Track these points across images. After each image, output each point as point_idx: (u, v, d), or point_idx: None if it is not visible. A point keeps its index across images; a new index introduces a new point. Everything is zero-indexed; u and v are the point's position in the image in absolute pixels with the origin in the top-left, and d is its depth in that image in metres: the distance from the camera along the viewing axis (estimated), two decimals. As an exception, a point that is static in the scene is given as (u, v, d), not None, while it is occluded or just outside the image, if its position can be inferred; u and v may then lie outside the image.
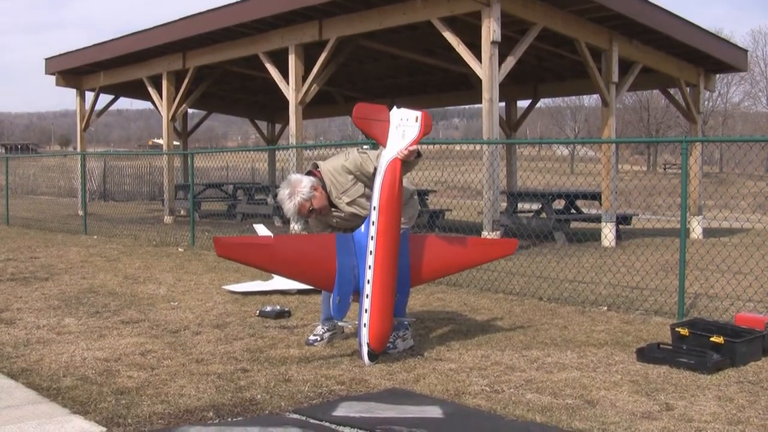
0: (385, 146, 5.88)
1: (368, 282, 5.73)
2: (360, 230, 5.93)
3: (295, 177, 6.06)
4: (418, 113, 5.98)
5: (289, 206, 5.98)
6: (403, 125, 5.92)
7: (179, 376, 5.33)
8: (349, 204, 6.10)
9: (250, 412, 4.61)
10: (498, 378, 5.37)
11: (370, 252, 5.73)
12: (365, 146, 8.33)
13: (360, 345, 5.80)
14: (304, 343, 6.35)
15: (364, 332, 5.73)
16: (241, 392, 4.96)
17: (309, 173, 6.15)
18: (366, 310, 5.73)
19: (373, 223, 5.74)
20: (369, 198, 5.92)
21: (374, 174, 5.82)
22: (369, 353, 5.73)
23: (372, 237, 5.73)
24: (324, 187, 6.08)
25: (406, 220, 6.22)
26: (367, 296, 5.74)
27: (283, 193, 6.00)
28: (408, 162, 5.80)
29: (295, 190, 5.94)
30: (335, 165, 6.11)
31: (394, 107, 6.07)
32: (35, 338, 6.54)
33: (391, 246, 5.74)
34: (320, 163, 6.21)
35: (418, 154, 5.84)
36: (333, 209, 6.18)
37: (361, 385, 5.17)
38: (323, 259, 5.85)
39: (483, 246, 6.76)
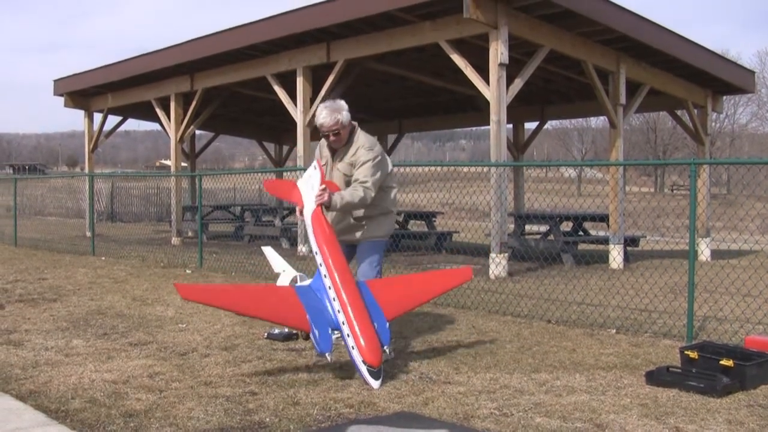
0: (303, 206, 6.78)
1: (339, 312, 5.99)
2: (312, 283, 6.41)
3: (343, 103, 6.77)
4: (314, 163, 6.92)
5: (325, 114, 6.66)
6: (310, 180, 6.83)
7: (188, 398, 5.32)
8: (340, 168, 6.84)
9: (259, 435, 4.60)
10: (507, 401, 5.35)
11: (329, 287, 6.14)
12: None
13: (359, 370, 5.79)
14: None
15: (356, 354, 5.77)
16: (250, 415, 4.95)
17: None
18: (348, 335, 5.85)
19: (321, 265, 6.33)
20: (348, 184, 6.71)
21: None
22: (369, 371, 5.70)
23: (325, 275, 6.26)
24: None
25: (383, 233, 7.03)
26: (343, 323, 5.92)
27: (327, 104, 6.74)
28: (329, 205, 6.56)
29: (340, 111, 6.67)
30: (369, 140, 6.85)
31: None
32: (43, 360, 6.54)
33: (343, 273, 6.24)
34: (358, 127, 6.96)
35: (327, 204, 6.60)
36: (333, 159, 6.93)
37: (369, 408, 5.15)
38: (288, 303, 6.17)
39: (440, 277, 7.07)
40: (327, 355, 5.83)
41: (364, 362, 5.72)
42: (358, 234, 6.98)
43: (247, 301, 6.18)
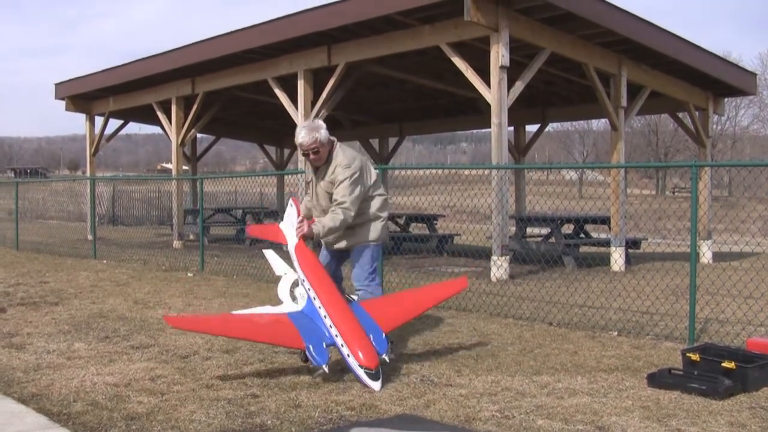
0: (287, 243, 7.15)
1: (331, 327, 6.15)
2: (303, 309, 6.60)
3: (321, 122, 6.99)
4: (290, 201, 7.51)
5: (304, 134, 6.81)
6: (289, 218, 7.29)
7: (189, 401, 5.32)
8: (323, 185, 6.98)
9: (261, 437, 4.60)
10: (508, 403, 5.35)
11: (319, 307, 6.38)
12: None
13: (358, 376, 5.85)
14: (311, 367, 6.34)
15: (352, 361, 5.88)
16: (252, 418, 4.95)
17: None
18: (342, 345, 6.00)
19: (309, 290, 6.57)
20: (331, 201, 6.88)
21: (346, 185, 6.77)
22: (368, 374, 5.78)
23: (314, 298, 6.48)
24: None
25: (374, 238, 7.10)
26: (336, 336, 6.08)
27: (308, 125, 6.92)
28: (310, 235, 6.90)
29: (318, 129, 6.83)
30: (347, 157, 6.90)
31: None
32: (45, 363, 6.55)
33: (331, 292, 6.49)
34: (338, 143, 7.05)
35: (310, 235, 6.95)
36: (317, 176, 7.09)
37: (371, 411, 5.16)
38: (281, 326, 6.35)
39: (435, 289, 7.43)
40: (324, 366, 5.88)
41: (361, 366, 5.80)
42: (348, 241, 7.11)
43: (240, 326, 6.42)
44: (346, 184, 6.76)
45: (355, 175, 6.81)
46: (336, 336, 6.08)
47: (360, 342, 5.97)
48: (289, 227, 7.19)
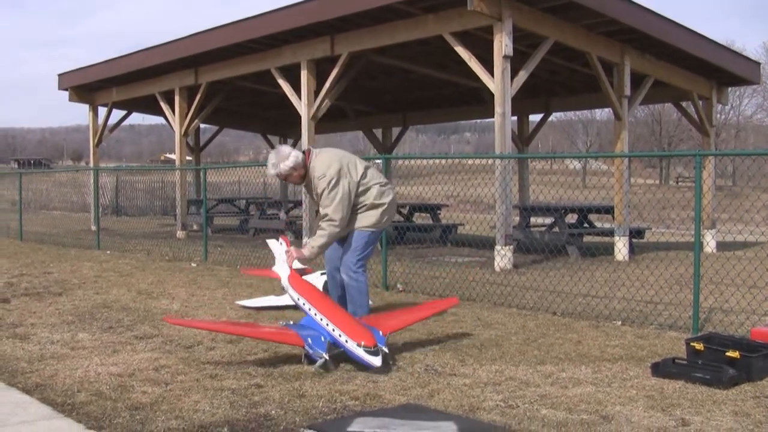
0: (280, 278, 7.30)
1: (328, 325, 6.27)
2: (302, 321, 6.66)
3: (284, 151, 7.18)
4: (279, 240, 7.72)
5: (269, 167, 7.22)
6: (280, 256, 7.46)
7: (193, 391, 5.32)
8: (314, 196, 7.27)
9: (265, 427, 4.60)
10: (512, 393, 5.35)
11: (315, 314, 6.49)
12: (378, 161, 8.51)
13: (358, 357, 5.94)
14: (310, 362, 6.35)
15: (351, 344, 6.00)
16: (256, 408, 4.95)
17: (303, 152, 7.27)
18: (340, 335, 6.11)
19: (304, 304, 6.71)
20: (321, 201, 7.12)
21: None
22: (367, 351, 5.88)
23: (310, 309, 6.61)
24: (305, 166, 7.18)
25: (368, 224, 7.26)
26: (333, 330, 6.19)
27: (271, 158, 7.21)
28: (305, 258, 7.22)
29: (278, 163, 7.10)
30: (322, 165, 7.06)
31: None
32: (49, 353, 6.55)
33: (324, 299, 6.78)
34: (315, 152, 7.25)
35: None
36: (306, 189, 7.51)
37: (375, 401, 5.15)
38: (280, 329, 6.62)
39: (429, 305, 7.86)
40: (324, 354, 5.92)
41: (359, 345, 5.91)
42: (345, 229, 7.24)
43: (239, 327, 6.82)
44: (325, 195, 6.98)
45: (332, 181, 6.95)
46: (333, 330, 6.17)
47: (353, 324, 6.18)
48: (282, 263, 7.37)
